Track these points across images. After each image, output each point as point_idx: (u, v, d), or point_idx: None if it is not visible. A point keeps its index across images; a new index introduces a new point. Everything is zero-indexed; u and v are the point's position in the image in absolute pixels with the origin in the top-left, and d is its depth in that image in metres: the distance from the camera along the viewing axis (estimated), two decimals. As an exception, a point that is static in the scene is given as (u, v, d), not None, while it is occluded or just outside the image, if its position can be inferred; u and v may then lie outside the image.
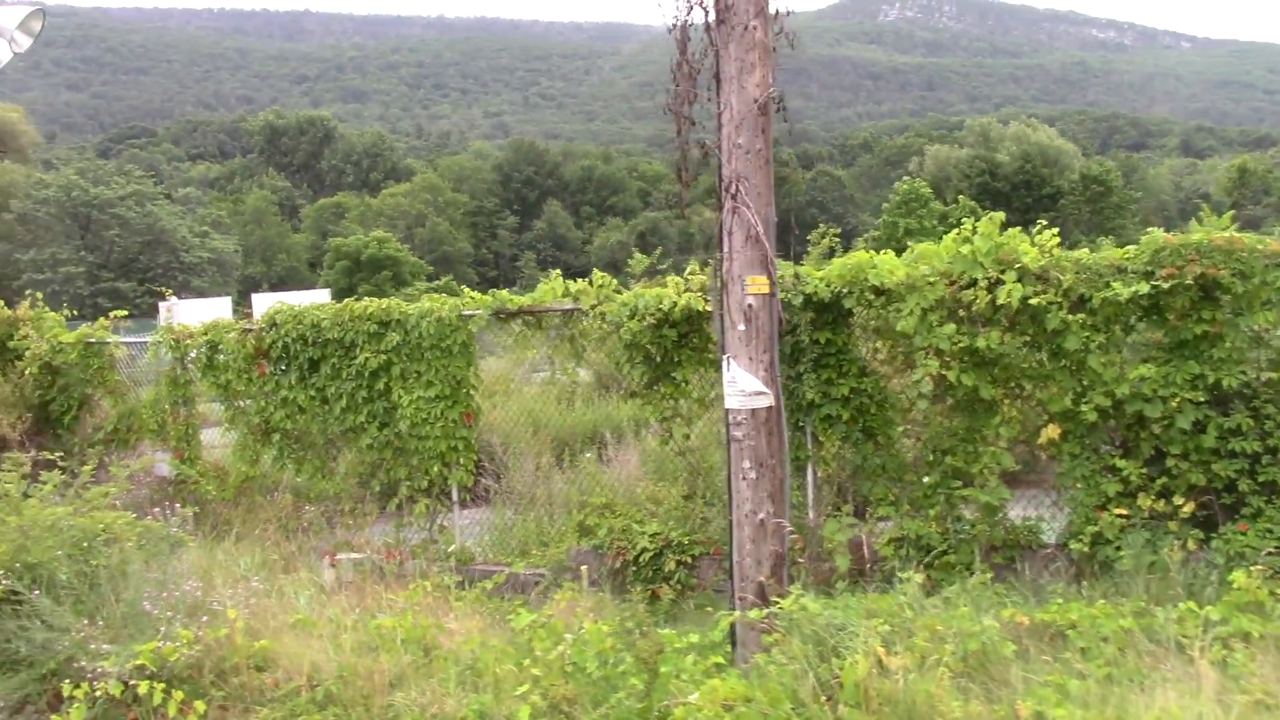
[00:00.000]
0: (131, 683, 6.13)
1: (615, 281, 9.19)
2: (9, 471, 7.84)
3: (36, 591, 6.72)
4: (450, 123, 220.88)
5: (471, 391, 9.91)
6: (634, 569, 8.84)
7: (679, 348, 8.80)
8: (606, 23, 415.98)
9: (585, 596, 7.97)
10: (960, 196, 63.12)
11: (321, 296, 29.91)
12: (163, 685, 5.95)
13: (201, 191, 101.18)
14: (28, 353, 12.29)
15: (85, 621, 6.74)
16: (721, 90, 6.14)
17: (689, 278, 8.82)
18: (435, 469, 9.88)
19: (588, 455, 12.03)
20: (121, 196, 67.93)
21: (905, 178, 57.85)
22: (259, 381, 10.81)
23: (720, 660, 5.42)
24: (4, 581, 6.78)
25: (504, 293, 9.80)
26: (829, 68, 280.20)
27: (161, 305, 16.02)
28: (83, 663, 6.42)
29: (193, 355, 11.29)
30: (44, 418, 12.32)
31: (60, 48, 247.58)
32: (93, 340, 12.15)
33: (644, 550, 8.81)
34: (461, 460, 9.87)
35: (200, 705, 5.89)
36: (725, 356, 6.27)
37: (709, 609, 7.98)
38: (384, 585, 8.90)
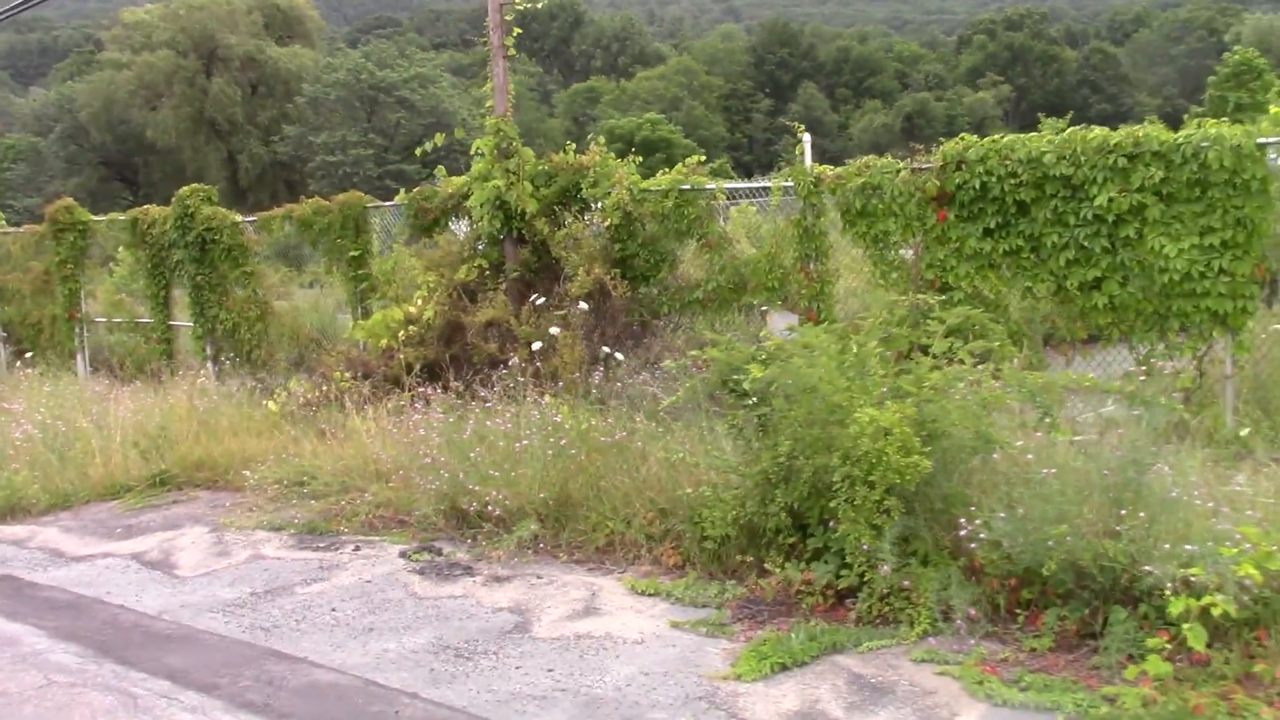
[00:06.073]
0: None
1: None
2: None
3: (1050, 470, 5.16)
4: (680, 8, 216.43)
5: (1265, 239, 7.98)
6: None
7: None
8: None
9: None
10: (1295, 68, 56.64)
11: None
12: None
13: (452, 78, 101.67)
14: (605, 201, 11.01)
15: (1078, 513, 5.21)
16: None
17: None
18: (1211, 332, 8.06)
19: None
20: (405, 79, 68.36)
21: (1235, 48, 52.39)
22: (934, 230, 9.17)
23: None
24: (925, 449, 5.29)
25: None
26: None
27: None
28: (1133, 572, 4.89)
29: (835, 200, 9.74)
30: (621, 275, 11.06)
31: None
32: (687, 186, 10.75)
33: None
34: (1250, 325, 8.01)
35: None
36: None
37: None
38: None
